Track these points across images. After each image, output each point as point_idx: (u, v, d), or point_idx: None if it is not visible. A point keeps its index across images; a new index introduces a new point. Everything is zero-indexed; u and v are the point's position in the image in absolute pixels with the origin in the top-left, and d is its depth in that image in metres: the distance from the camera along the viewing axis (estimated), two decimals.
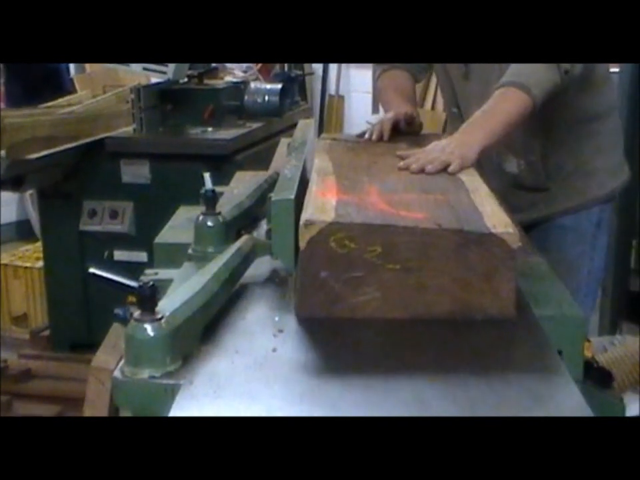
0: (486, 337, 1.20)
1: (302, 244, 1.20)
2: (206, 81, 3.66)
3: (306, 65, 6.36)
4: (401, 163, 1.61)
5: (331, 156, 1.66)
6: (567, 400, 1.01)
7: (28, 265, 3.96)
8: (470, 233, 1.21)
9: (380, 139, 1.87)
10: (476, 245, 1.20)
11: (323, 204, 1.29)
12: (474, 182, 1.50)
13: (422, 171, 1.57)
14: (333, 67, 6.62)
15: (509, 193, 1.97)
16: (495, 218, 1.26)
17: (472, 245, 1.20)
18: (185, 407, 1.00)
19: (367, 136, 1.89)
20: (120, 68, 3.73)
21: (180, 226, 1.74)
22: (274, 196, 1.44)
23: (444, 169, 1.58)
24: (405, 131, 1.95)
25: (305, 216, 1.23)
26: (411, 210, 1.29)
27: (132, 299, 1.15)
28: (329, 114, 6.61)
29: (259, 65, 5.80)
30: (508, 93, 1.75)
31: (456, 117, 2.13)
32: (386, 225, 1.21)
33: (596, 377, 1.34)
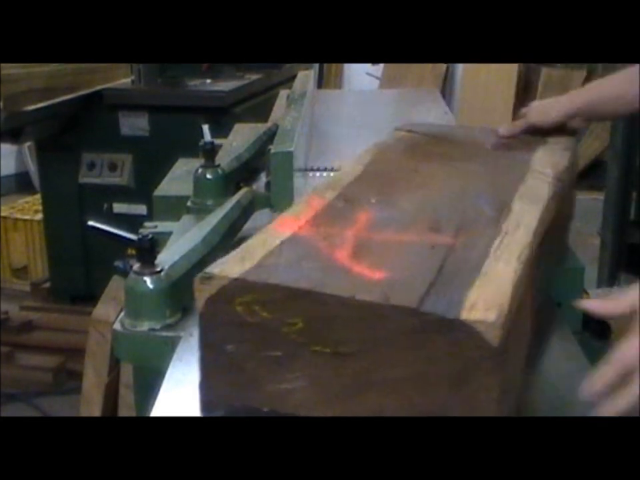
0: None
1: (198, 303, 0.86)
2: None
3: None
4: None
5: (375, 157, 1.28)
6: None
7: (27, 217, 3.96)
8: (428, 314, 0.78)
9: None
10: (438, 334, 0.78)
11: (264, 242, 0.92)
12: (525, 215, 1.04)
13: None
14: None
15: None
16: (490, 288, 0.83)
17: (432, 333, 0.79)
18: (184, 359, 1.01)
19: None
20: None
21: (179, 178, 1.74)
22: (273, 148, 1.44)
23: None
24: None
25: (214, 263, 0.89)
26: (377, 263, 0.88)
27: (132, 251, 1.15)
28: (329, 65, 6.56)
29: None
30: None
31: None
32: (309, 291, 0.82)
33: (594, 328, 1.35)
